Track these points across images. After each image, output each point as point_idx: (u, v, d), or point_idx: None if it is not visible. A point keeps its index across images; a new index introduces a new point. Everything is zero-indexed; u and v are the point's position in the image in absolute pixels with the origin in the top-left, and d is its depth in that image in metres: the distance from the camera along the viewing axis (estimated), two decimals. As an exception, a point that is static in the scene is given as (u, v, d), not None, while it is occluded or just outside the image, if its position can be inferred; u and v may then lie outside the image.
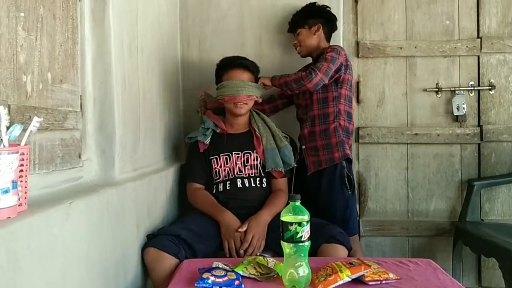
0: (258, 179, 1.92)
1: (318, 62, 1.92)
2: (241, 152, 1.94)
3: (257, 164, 1.93)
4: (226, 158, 1.94)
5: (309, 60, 2.15)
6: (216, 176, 1.93)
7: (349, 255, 1.80)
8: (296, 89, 1.94)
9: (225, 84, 1.93)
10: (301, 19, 2.10)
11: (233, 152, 1.94)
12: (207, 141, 1.97)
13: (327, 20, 2.09)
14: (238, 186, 1.89)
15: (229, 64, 1.97)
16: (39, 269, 0.96)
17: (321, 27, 2.06)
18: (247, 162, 1.93)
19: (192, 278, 1.25)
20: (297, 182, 2.07)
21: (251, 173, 1.92)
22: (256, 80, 2.00)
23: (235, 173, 1.92)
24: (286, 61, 2.27)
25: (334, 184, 1.94)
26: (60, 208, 1.06)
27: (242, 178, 1.91)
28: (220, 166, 1.94)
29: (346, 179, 1.93)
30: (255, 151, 1.94)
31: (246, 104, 1.95)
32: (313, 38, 2.06)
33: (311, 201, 1.94)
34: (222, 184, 1.92)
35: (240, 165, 1.93)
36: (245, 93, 1.92)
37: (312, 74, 1.87)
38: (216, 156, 1.95)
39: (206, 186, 1.96)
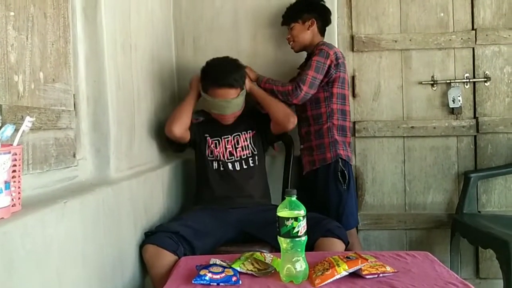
0: (250, 159, 1.97)
1: (304, 71, 1.91)
2: (231, 135, 1.98)
3: (247, 145, 1.97)
4: (216, 143, 1.97)
5: (303, 55, 2.14)
6: (210, 155, 1.96)
7: (347, 249, 1.81)
8: (282, 100, 1.95)
9: (210, 100, 1.91)
10: (294, 13, 2.06)
11: (223, 137, 1.97)
12: (198, 118, 2.01)
13: (321, 15, 2.06)
14: (230, 168, 1.94)
15: (214, 82, 1.88)
16: (34, 270, 0.95)
17: (315, 22, 2.03)
18: (238, 144, 1.97)
19: (189, 275, 1.25)
20: (295, 180, 2.08)
21: (243, 155, 1.96)
22: (243, 85, 1.94)
23: (226, 157, 1.94)
24: (280, 57, 2.26)
25: (328, 179, 1.94)
26: (54, 208, 1.06)
27: (233, 162, 1.95)
28: (212, 148, 1.97)
29: (339, 174, 1.93)
30: (243, 132, 1.97)
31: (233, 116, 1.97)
32: (307, 33, 2.04)
33: (308, 198, 1.95)
34: (216, 162, 1.95)
35: (231, 149, 1.96)
36: (232, 110, 1.92)
37: (298, 90, 1.89)
38: (208, 137, 1.98)
39: (201, 156, 2.00)
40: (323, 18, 2.07)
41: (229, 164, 1.94)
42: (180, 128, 1.89)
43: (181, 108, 1.95)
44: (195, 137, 1.99)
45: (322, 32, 2.08)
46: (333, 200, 1.94)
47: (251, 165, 1.96)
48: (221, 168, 1.94)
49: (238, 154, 1.96)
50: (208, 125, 2.01)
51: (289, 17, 2.09)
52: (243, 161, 1.96)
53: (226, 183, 1.93)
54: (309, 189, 2.01)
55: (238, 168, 1.94)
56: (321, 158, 1.96)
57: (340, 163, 1.94)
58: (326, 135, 1.96)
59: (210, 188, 1.94)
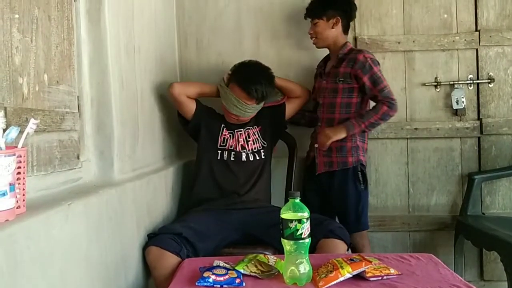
0: (262, 151, 2.02)
1: (377, 85, 1.90)
2: (243, 129, 2.02)
3: (257, 138, 2.02)
4: (230, 135, 2.02)
5: (306, 56, 2.14)
6: (223, 143, 2.00)
7: (358, 250, 1.83)
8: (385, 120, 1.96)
9: (227, 92, 1.94)
10: (319, 9, 2.01)
11: (236, 130, 2.02)
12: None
13: (346, 11, 2.02)
14: (243, 159, 1.97)
15: (241, 82, 1.91)
16: (38, 272, 0.95)
17: (340, 21, 1.99)
18: (249, 137, 2.01)
19: (193, 277, 1.25)
20: (306, 180, 2.09)
21: (254, 148, 2.01)
22: (261, 102, 1.96)
23: (238, 150, 1.99)
24: (284, 57, 2.27)
25: (347, 180, 1.96)
26: (59, 209, 1.06)
27: (247, 153, 1.99)
28: (226, 137, 2.01)
29: (360, 174, 1.95)
30: (250, 127, 2.04)
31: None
32: (331, 31, 2.00)
33: (323, 198, 2.01)
34: (226, 152, 1.98)
35: (242, 142, 2.00)
36: (239, 113, 1.95)
37: (393, 103, 1.91)
38: (225, 127, 2.02)
39: (207, 145, 2.02)
40: (348, 15, 2.04)
41: (243, 154, 1.98)
42: (181, 90, 1.96)
43: (197, 83, 2.08)
44: (201, 120, 2.01)
45: (346, 30, 2.05)
46: (352, 201, 1.96)
47: (263, 157, 2.01)
48: (232, 158, 1.97)
49: (250, 147, 2.00)
50: (223, 117, 2.05)
51: (314, 11, 2.03)
52: (255, 154, 2.00)
53: (233, 174, 1.95)
54: (325, 189, 2.02)
55: (251, 159, 1.98)
56: (341, 161, 1.96)
57: (359, 168, 1.97)
58: (350, 139, 1.96)
59: (215, 180, 1.95)
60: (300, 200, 1.22)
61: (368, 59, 1.92)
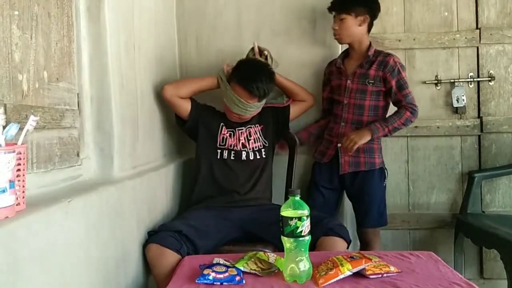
0: (263, 150, 2.01)
1: (402, 90, 1.93)
2: (245, 127, 2.01)
3: (258, 137, 2.01)
4: (230, 134, 2.00)
5: (307, 53, 2.13)
6: (222, 143, 1.98)
7: (370, 246, 1.93)
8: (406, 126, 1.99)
9: (229, 91, 1.92)
10: (347, 4, 1.95)
11: (237, 128, 2.01)
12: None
13: (374, 10, 1.99)
14: (243, 158, 1.97)
15: (241, 80, 1.88)
16: (38, 269, 0.95)
17: (368, 19, 1.96)
18: (250, 136, 2.00)
19: (193, 275, 1.25)
20: (329, 178, 2.07)
21: (255, 147, 2.00)
22: (262, 100, 1.94)
23: (239, 148, 1.98)
24: (284, 56, 2.25)
25: (373, 179, 1.99)
26: (59, 207, 1.06)
27: (248, 152, 1.98)
28: (226, 136, 1.99)
29: (386, 171, 2.02)
30: (252, 125, 2.02)
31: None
32: (358, 28, 1.96)
33: (341, 196, 2.09)
34: (226, 151, 1.97)
35: (243, 140, 1.99)
36: (240, 112, 1.94)
37: (415, 109, 1.94)
38: (224, 125, 2.00)
39: (206, 145, 2.00)
40: (374, 14, 2.01)
41: (243, 153, 1.97)
42: (172, 92, 1.93)
43: (192, 80, 2.07)
44: (198, 119, 1.99)
45: (369, 30, 2.02)
46: (377, 198, 2.00)
47: (264, 156, 2.00)
48: (232, 158, 1.96)
49: (251, 146, 1.99)
50: (223, 116, 2.03)
51: (343, 6, 1.97)
52: (256, 152, 1.99)
53: (233, 173, 1.94)
54: (342, 188, 2.07)
55: (252, 157, 1.97)
56: (369, 161, 1.98)
57: (384, 167, 2.03)
58: (376, 141, 2.00)
59: (214, 179, 1.95)
60: (300, 197, 1.23)
61: (397, 64, 1.94)
